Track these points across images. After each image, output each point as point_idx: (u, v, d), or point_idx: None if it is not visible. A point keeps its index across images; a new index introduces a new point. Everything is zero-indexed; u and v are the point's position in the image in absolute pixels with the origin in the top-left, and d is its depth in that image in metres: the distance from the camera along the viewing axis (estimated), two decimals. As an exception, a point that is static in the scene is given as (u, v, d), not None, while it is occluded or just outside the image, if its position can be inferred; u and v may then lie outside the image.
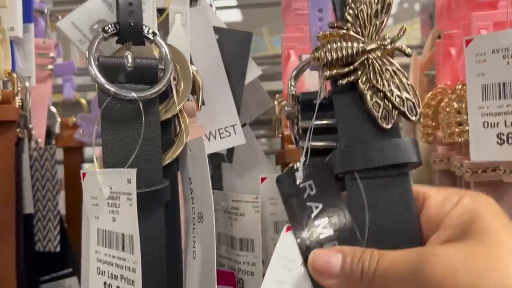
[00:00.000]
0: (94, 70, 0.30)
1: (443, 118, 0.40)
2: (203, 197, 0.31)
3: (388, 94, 0.28)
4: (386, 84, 0.28)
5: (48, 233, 0.47)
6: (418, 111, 0.28)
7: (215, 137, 0.37)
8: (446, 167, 0.41)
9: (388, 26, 0.39)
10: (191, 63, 0.37)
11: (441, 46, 0.44)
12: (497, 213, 0.24)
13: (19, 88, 0.44)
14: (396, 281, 0.23)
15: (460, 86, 0.37)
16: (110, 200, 0.28)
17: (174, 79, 0.34)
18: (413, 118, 0.28)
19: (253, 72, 0.41)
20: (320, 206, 0.29)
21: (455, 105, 0.37)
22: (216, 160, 0.40)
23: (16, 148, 0.44)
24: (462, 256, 0.22)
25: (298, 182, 0.30)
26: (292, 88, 0.33)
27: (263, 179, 0.37)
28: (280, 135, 0.45)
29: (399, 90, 0.28)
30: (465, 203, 0.25)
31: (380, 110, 0.28)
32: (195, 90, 0.36)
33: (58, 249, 0.46)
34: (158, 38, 0.33)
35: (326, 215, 0.28)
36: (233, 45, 0.40)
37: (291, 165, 0.30)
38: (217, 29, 0.40)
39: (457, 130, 0.37)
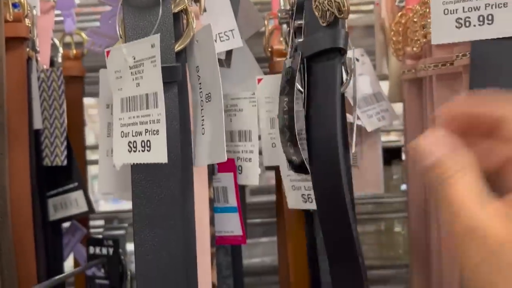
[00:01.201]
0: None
1: (410, 31, 0.46)
2: (211, 78, 0.36)
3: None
4: None
5: (56, 148, 0.50)
6: (344, 9, 0.34)
7: (215, 40, 0.42)
8: (413, 76, 0.47)
9: None
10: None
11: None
12: None
13: (28, 12, 0.47)
14: None
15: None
16: (133, 69, 0.33)
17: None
18: (340, 15, 0.35)
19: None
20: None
21: (421, 11, 0.43)
22: (215, 65, 0.45)
23: (26, 67, 0.47)
24: None
25: (287, 66, 0.37)
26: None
27: (259, 80, 0.42)
28: (270, 49, 0.50)
29: None
30: None
31: (319, 11, 0.35)
32: (198, -2, 0.41)
33: (65, 163, 0.50)
34: None
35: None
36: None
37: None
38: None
39: (422, 32, 0.43)
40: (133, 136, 0.33)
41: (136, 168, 0.34)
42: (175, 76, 0.35)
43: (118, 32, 0.34)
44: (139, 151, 0.33)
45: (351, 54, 0.44)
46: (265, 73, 0.49)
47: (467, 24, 0.37)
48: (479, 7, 0.36)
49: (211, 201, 0.42)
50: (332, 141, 0.36)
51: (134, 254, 0.35)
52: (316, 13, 0.36)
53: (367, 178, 0.50)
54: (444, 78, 0.42)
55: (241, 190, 0.47)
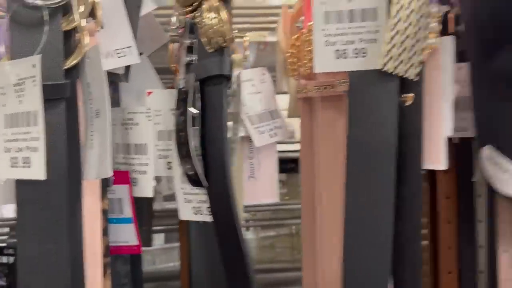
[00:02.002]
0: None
1: (302, 54, 0.49)
2: (100, 95, 0.37)
3: (207, 28, 0.37)
4: (209, 19, 0.37)
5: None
6: (227, 39, 0.37)
7: (112, 56, 0.43)
8: (305, 95, 0.50)
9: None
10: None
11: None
12: None
13: None
14: None
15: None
16: (17, 86, 0.33)
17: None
18: (224, 44, 0.37)
19: (148, 6, 0.47)
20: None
21: (307, 37, 0.46)
22: (114, 79, 0.46)
23: None
24: None
25: (181, 86, 0.39)
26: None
27: (149, 93, 0.44)
28: (173, 66, 0.52)
29: (218, 24, 0.37)
30: None
31: (206, 38, 0.38)
32: (94, 14, 0.42)
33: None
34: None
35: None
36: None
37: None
38: (115, -34, 0.45)
39: (309, 57, 0.46)
40: (15, 152, 0.33)
41: (21, 182, 0.35)
42: (62, 93, 0.36)
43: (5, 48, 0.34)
44: (20, 167, 0.33)
45: (243, 75, 0.47)
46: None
47: (344, 55, 0.40)
48: (354, 41, 0.40)
49: (105, 212, 0.43)
50: (222, 158, 0.38)
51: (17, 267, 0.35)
52: (203, 40, 0.38)
53: (263, 188, 0.53)
54: (328, 100, 0.46)
55: (148, 199, 0.48)
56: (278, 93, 0.55)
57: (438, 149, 0.42)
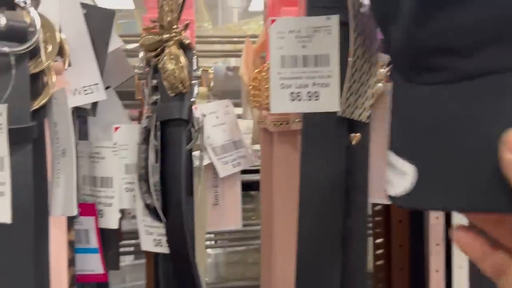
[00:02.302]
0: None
1: (262, 87, 0.52)
2: (66, 135, 0.39)
3: (170, 72, 0.39)
4: (170, 66, 0.39)
5: None
6: (186, 85, 0.40)
7: (80, 93, 0.45)
8: (265, 126, 0.53)
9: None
10: (60, 31, 0.44)
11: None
12: None
13: None
14: None
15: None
16: (-16, 133, 0.35)
17: (44, 42, 0.41)
18: (183, 90, 0.40)
19: (115, 43, 0.49)
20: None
21: (266, 75, 0.49)
22: (82, 114, 0.47)
23: None
24: None
25: (144, 125, 0.41)
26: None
27: (116, 128, 0.46)
28: (139, 98, 0.54)
29: (177, 71, 0.39)
30: None
31: (167, 83, 0.40)
32: (62, 53, 0.44)
33: None
34: (28, 6, 0.39)
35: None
36: (99, 19, 0.48)
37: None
38: (84, 5, 0.47)
39: (267, 94, 0.49)
40: (-17, 196, 0.35)
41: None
42: (28, 136, 0.37)
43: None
44: (-13, 209, 0.35)
45: (207, 108, 0.49)
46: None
47: (299, 98, 0.43)
48: (308, 84, 0.43)
49: (72, 243, 0.45)
50: (179, 195, 0.41)
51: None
52: (165, 84, 0.40)
53: (227, 215, 0.55)
54: (284, 134, 0.49)
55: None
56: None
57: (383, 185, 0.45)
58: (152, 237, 0.45)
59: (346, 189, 0.45)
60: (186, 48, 0.41)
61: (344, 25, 0.42)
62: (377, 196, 0.45)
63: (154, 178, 0.42)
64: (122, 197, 0.47)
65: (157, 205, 0.42)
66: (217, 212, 0.55)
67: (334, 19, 0.42)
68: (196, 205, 0.48)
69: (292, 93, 0.43)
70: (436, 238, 0.57)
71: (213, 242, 0.85)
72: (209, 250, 0.96)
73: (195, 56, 0.45)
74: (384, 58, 0.44)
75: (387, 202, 0.46)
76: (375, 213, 0.66)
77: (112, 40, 0.49)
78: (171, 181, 0.40)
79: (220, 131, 0.53)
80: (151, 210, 0.42)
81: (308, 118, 0.43)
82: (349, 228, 0.46)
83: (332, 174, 0.43)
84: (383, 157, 0.47)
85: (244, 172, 0.58)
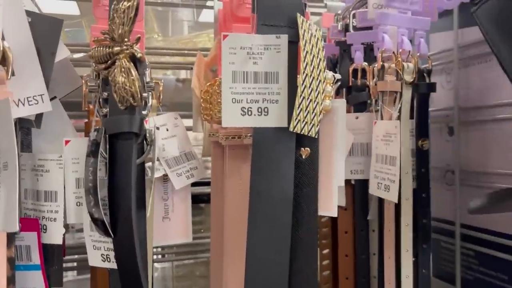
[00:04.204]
0: None
1: (214, 100, 0.52)
2: (8, 148, 0.38)
3: (120, 85, 0.39)
4: (120, 79, 0.39)
5: None
6: (137, 98, 0.39)
7: (23, 104, 0.43)
8: (216, 139, 0.54)
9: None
10: (3, 39, 0.43)
11: (220, 47, 0.57)
12: None
13: None
14: None
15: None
16: None
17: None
18: (134, 103, 0.40)
19: (63, 52, 0.48)
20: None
21: (218, 90, 0.50)
22: (25, 125, 0.46)
23: None
24: None
25: (92, 138, 0.40)
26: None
27: (67, 142, 0.45)
28: (86, 109, 0.53)
29: (128, 84, 0.39)
30: None
31: (117, 96, 0.40)
32: (5, 62, 0.42)
33: None
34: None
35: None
36: (45, 28, 0.47)
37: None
38: (29, 13, 0.46)
39: (219, 108, 0.50)
40: None
41: None
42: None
43: None
44: None
45: (157, 121, 0.49)
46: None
47: (250, 113, 0.44)
48: (258, 100, 0.44)
49: (12, 260, 0.43)
50: (127, 210, 0.40)
51: None
52: (115, 96, 0.40)
53: (177, 229, 0.55)
54: (235, 148, 0.50)
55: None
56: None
57: (330, 198, 0.46)
58: (100, 252, 0.44)
59: (297, 201, 0.47)
60: (138, 61, 0.41)
61: (293, 44, 0.44)
62: (323, 209, 0.47)
63: (103, 192, 0.41)
64: (72, 212, 0.46)
65: (106, 219, 0.41)
66: (167, 226, 0.54)
67: (283, 39, 0.44)
68: (147, 219, 0.48)
69: (243, 108, 0.44)
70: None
71: (160, 256, 0.83)
72: (156, 264, 0.94)
73: (148, 69, 0.45)
74: (331, 75, 0.45)
75: (333, 215, 0.48)
76: (321, 224, 0.68)
77: (59, 49, 0.48)
78: (120, 195, 0.40)
79: (172, 143, 0.53)
80: (99, 224, 0.41)
81: (259, 133, 0.44)
82: (300, 238, 0.47)
83: (282, 187, 0.44)
84: (329, 172, 0.48)
85: (194, 184, 0.59)
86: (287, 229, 0.44)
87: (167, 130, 0.53)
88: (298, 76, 0.43)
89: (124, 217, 0.40)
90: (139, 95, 0.39)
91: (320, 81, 0.45)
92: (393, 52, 0.55)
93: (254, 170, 0.44)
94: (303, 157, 0.47)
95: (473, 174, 0.69)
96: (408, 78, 0.55)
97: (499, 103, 0.64)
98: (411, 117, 0.58)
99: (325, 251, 0.68)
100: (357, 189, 0.60)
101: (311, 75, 0.44)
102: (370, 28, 0.60)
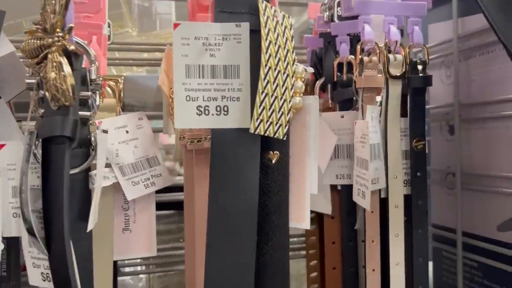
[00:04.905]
0: None
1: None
2: None
3: (51, 82, 0.34)
4: (52, 75, 0.34)
5: None
6: (68, 97, 0.34)
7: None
8: (184, 143, 0.48)
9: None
10: None
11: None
12: None
13: None
14: None
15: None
16: None
17: None
18: (66, 103, 0.35)
19: (6, 47, 0.43)
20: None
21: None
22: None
23: None
24: None
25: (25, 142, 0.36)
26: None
27: (2, 146, 0.40)
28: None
29: (59, 81, 0.34)
30: None
31: (49, 94, 0.35)
32: None
33: None
34: None
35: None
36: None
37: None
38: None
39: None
40: None
41: None
42: None
43: None
44: None
45: (116, 122, 0.44)
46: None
47: (207, 112, 0.39)
48: (217, 98, 0.39)
49: None
50: (59, 224, 0.35)
51: None
52: (47, 95, 0.35)
53: (139, 241, 0.50)
54: (200, 152, 0.44)
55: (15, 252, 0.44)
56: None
57: (301, 207, 0.41)
58: (40, 270, 0.39)
59: (266, 211, 0.41)
60: (73, 54, 0.36)
61: (256, 33, 0.39)
62: (294, 219, 0.41)
63: (37, 204, 0.36)
64: (11, 224, 0.41)
65: (40, 234, 0.36)
66: (128, 238, 0.49)
67: (244, 27, 0.38)
68: (98, 232, 0.43)
69: (199, 106, 0.39)
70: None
71: (143, 267, 0.78)
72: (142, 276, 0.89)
73: (94, 64, 0.40)
74: (302, 69, 0.40)
75: (305, 227, 0.42)
76: (308, 233, 0.62)
77: (1, 44, 0.43)
78: (51, 207, 0.35)
79: (131, 147, 0.48)
80: (34, 240, 0.36)
81: (218, 135, 0.39)
82: (269, 254, 0.42)
83: (245, 197, 0.39)
84: (302, 178, 0.43)
85: (169, 190, 0.54)
86: (251, 244, 0.39)
87: (127, 132, 0.48)
88: (260, 69, 0.38)
89: (56, 231, 0.35)
90: (71, 93, 0.34)
91: (287, 75, 0.39)
92: (376, 43, 0.49)
93: (212, 177, 0.39)
94: (273, 162, 0.41)
95: (475, 177, 0.63)
96: (395, 71, 0.49)
97: (503, 98, 0.58)
98: (405, 115, 0.52)
99: (313, 263, 0.62)
100: (344, 196, 0.54)
101: (275, 68, 0.38)
102: (356, 17, 0.54)
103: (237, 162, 0.39)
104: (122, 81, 0.49)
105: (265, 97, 0.38)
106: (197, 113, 0.39)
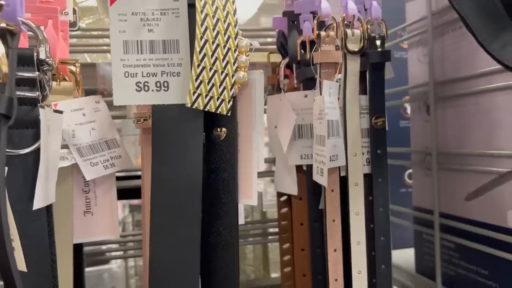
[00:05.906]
0: None
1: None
2: None
3: None
4: None
5: None
6: (2, 74, 0.34)
7: None
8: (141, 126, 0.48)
9: None
10: None
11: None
12: None
13: None
14: None
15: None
16: None
17: None
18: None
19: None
20: None
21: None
22: None
23: None
24: None
25: None
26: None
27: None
28: None
29: None
30: None
31: None
32: None
33: None
34: None
35: None
36: None
37: None
38: None
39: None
40: None
41: None
42: None
43: None
44: None
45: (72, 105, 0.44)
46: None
47: (146, 88, 0.38)
48: (156, 73, 0.38)
49: None
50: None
51: None
52: (-19, 73, 0.35)
53: (101, 224, 0.50)
54: (147, 131, 0.44)
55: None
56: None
57: (249, 184, 0.40)
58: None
59: (214, 188, 0.41)
60: (8, 33, 0.36)
61: (195, 7, 0.38)
62: (242, 196, 0.41)
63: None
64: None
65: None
66: (89, 221, 0.49)
67: (182, 1, 0.38)
68: (57, 214, 0.43)
69: (138, 82, 0.38)
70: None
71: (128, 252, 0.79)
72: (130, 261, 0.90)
73: (43, 45, 0.40)
74: (246, 43, 0.39)
75: (252, 203, 0.42)
76: (280, 216, 0.61)
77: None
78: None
79: (88, 129, 0.48)
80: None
81: (159, 111, 0.38)
82: (218, 233, 0.41)
83: (188, 174, 0.38)
84: (248, 155, 0.42)
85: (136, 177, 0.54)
86: (195, 221, 0.39)
87: (84, 115, 0.48)
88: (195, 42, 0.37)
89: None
90: (4, 70, 0.34)
91: (229, 49, 0.39)
92: (333, 17, 0.48)
93: (154, 155, 0.38)
94: (221, 139, 0.41)
95: (452, 156, 0.61)
96: (353, 46, 0.48)
97: (472, 74, 0.56)
98: (366, 92, 0.51)
99: (286, 246, 0.62)
100: (308, 176, 0.54)
101: (214, 42, 0.38)
102: (319, -6, 0.53)
103: (179, 138, 0.38)
104: (79, 64, 0.48)
105: (202, 70, 0.37)
106: (136, 90, 0.38)
